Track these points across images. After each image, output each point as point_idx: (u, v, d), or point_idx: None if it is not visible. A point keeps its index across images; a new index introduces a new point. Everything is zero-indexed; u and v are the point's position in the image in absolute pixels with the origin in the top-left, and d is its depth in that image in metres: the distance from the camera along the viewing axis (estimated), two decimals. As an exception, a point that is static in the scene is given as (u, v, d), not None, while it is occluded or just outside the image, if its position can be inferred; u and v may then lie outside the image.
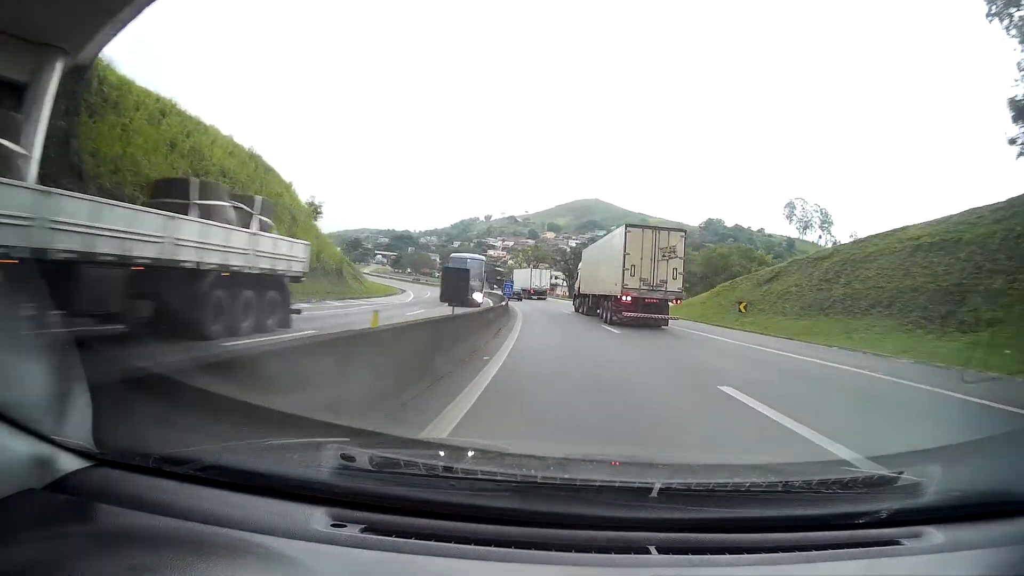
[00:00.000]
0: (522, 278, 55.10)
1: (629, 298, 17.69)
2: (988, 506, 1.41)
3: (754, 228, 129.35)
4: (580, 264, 30.54)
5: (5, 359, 1.28)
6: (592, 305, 23.81)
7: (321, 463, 1.50)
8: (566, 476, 1.50)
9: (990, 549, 1.30)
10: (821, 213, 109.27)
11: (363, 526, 1.13)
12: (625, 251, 18.15)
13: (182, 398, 2.01)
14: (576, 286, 29.24)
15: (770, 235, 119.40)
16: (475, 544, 1.11)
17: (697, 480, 1.63)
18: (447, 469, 1.42)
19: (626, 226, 19.56)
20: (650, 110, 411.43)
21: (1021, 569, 1.29)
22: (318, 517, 1.15)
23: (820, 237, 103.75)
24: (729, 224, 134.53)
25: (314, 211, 36.95)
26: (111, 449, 1.30)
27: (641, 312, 17.84)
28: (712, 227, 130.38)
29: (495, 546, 1.11)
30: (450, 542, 1.11)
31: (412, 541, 1.11)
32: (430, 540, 1.11)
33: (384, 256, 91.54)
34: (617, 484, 1.43)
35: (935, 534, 1.29)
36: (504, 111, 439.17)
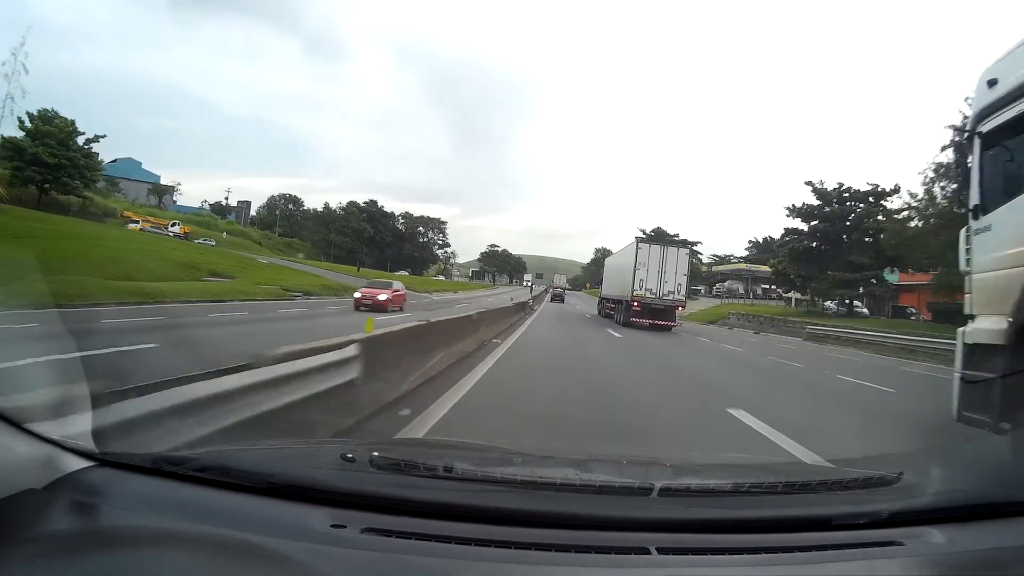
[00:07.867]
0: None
1: None
2: (988, 506, 1.41)
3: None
4: None
5: (6, 360, 1.28)
6: None
7: (321, 463, 1.50)
8: (566, 477, 1.50)
9: (990, 549, 1.29)
10: None
11: (363, 526, 1.13)
12: None
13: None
14: None
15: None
16: (475, 544, 1.11)
17: (697, 481, 1.63)
18: (447, 469, 1.42)
19: None
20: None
21: (1021, 569, 1.29)
22: (318, 517, 1.15)
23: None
24: None
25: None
26: (111, 449, 1.30)
27: None
28: None
29: (495, 546, 1.11)
30: (450, 542, 1.11)
31: (412, 542, 1.11)
32: (430, 540, 1.11)
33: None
34: (617, 484, 1.43)
35: (935, 534, 1.29)
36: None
